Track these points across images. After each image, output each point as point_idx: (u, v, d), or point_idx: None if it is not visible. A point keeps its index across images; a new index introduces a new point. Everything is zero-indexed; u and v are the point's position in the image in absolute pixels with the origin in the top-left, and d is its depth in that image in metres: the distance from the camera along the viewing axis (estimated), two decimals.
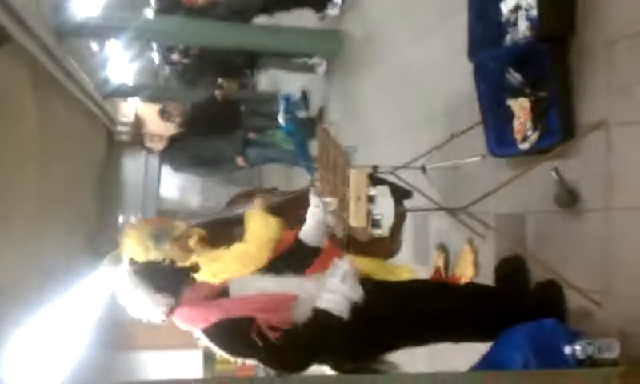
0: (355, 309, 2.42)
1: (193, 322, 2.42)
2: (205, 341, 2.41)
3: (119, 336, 8.96)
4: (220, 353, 2.41)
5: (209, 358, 8.84)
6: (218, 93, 7.30)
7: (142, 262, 2.52)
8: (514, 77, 3.19)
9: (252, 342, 2.25)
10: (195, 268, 2.62)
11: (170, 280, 2.50)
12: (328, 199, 3.03)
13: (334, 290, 2.38)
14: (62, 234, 6.47)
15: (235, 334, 2.33)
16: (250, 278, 2.70)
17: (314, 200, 3.03)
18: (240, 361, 2.43)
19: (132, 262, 2.52)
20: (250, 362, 2.44)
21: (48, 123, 5.81)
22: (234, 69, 9.07)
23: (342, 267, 2.44)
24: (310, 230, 2.97)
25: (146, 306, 2.46)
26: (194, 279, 2.56)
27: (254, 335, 2.24)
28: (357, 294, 2.39)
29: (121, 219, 9.86)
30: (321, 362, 2.51)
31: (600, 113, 2.79)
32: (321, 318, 2.34)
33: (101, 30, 6.88)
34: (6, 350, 4.41)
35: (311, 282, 2.51)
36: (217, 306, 2.42)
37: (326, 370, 2.57)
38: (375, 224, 2.83)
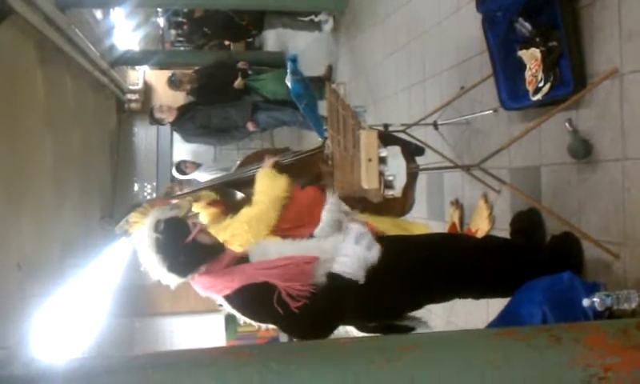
0: (372, 268, 2.39)
1: (214, 290, 2.40)
2: (228, 307, 2.41)
3: (142, 302, 9.09)
4: (243, 318, 2.42)
5: (230, 321, 8.94)
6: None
7: (165, 233, 2.38)
8: (524, 26, 3.11)
9: (273, 310, 2.24)
10: (220, 247, 2.52)
11: (189, 257, 2.41)
12: (346, 207, 3.00)
13: (347, 253, 2.35)
14: (78, 204, 6.51)
15: (257, 300, 2.33)
16: (269, 243, 2.68)
17: (329, 198, 3.00)
18: (263, 326, 2.45)
19: (156, 227, 2.39)
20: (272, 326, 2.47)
21: (56, 95, 5.79)
22: (239, 30, 8.96)
23: (355, 229, 2.40)
24: (326, 226, 2.93)
25: (162, 275, 2.42)
26: (216, 256, 2.47)
27: (275, 303, 2.23)
28: (373, 252, 2.36)
29: (136, 187, 9.93)
30: (345, 323, 2.51)
31: (612, 61, 2.72)
32: (334, 282, 2.31)
33: None
34: (30, 321, 4.48)
35: (329, 243, 2.49)
36: (238, 271, 2.40)
37: (352, 330, 2.58)
38: (388, 185, 2.79)
